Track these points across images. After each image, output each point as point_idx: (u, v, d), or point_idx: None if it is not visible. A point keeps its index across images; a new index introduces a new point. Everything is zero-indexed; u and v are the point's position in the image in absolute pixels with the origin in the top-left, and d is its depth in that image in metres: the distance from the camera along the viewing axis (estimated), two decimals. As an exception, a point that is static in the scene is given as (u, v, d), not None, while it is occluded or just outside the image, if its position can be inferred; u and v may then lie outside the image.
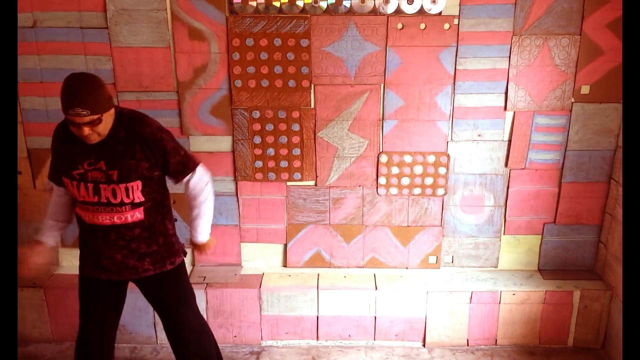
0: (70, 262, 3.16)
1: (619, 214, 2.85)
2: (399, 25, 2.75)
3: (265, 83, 2.84)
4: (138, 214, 2.15)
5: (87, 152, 2.08)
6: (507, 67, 2.80)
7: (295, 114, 2.90)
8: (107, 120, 2.03)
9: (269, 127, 2.91)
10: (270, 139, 2.93)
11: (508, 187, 2.99)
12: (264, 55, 2.80)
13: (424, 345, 3.04)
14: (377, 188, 3.00)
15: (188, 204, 2.29)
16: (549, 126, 2.89)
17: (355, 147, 2.94)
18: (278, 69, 2.82)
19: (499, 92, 2.84)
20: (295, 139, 2.93)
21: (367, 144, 2.94)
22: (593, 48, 2.76)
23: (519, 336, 3.01)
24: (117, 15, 2.74)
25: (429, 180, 2.98)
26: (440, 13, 2.74)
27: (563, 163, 2.94)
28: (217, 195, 3.01)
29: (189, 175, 2.22)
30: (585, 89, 2.83)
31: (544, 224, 3.04)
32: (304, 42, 2.78)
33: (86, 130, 1.97)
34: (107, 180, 2.07)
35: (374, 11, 2.73)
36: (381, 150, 2.95)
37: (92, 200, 2.11)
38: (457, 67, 2.81)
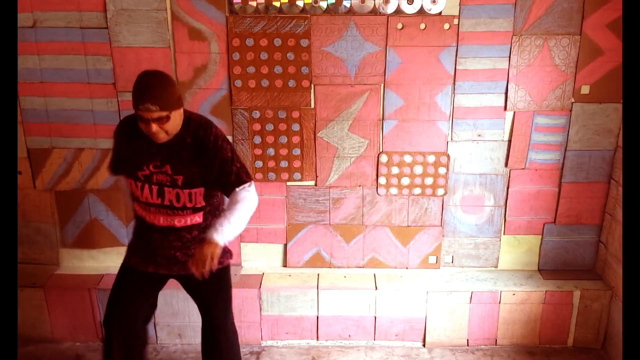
0: (70, 262, 3.17)
1: (619, 214, 2.85)
2: (399, 25, 2.75)
3: (265, 83, 2.84)
4: (197, 218, 2.18)
5: (153, 154, 2.09)
6: (507, 67, 2.80)
7: (295, 114, 2.90)
8: (176, 118, 2.04)
9: (269, 127, 2.91)
10: (270, 139, 2.93)
11: (508, 187, 2.99)
12: (264, 55, 2.80)
13: (424, 345, 3.04)
14: (377, 188, 3.00)
15: (228, 206, 2.15)
16: (549, 126, 2.89)
17: (355, 147, 2.94)
18: (278, 69, 2.82)
19: (499, 92, 2.84)
20: (295, 139, 2.93)
21: (367, 144, 2.94)
22: (593, 48, 2.76)
23: (519, 336, 3.01)
24: (117, 15, 2.74)
25: (429, 180, 2.98)
26: (440, 13, 2.74)
27: (563, 163, 2.94)
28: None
29: (242, 186, 2.13)
30: (585, 89, 2.83)
31: (544, 224, 3.04)
32: (304, 42, 2.78)
33: (154, 127, 1.98)
34: (172, 184, 2.10)
35: (374, 11, 2.73)
36: (381, 150, 2.95)
37: (155, 202, 2.13)
38: (457, 67, 2.81)
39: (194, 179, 2.10)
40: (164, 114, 1.97)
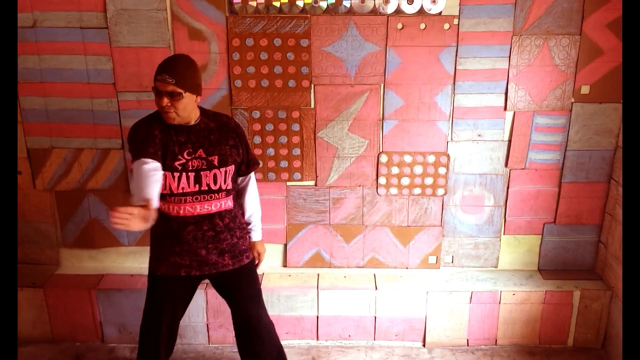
0: (70, 262, 3.17)
1: (619, 214, 2.85)
2: (399, 25, 2.75)
3: (265, 83, 2.84)
4: (230, 203, 2.28)
5: (183, 143, 2.17)
6: (507, 67, 2.80)
7: (295, 114, 2.90)
8: (189, 102, 2.11)
9: (269, 127, 2.91)
10: (270, 139, 2.93)
11: (508, 187, 2.99)
12: (264, 55, 2.80)
13: (424, 345, 3.04)
14: (377, 188, 3.00)
15: (245, 201, 2.43)
16: (549, 126, 2.89)
17: (355, 147, 2.95)
18: (278, 69, 2.82)
19: (499, 92, 2.84)
20: (295, 139, 2.93)
21: (367, 144, 2.94)
22: (593, 48, 2.76)
23: (519, 336, 3.01)
24: (117, 15, 2.74)
25: (429, 180, 2.98)
26: (440, 13, 2.74)
27: (563, 163, 2.94)
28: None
29: (252, 171, 2.43)
30: (585, 89, 2.83)
31: (544, 224, 3.04)
32: (304, 42, 2.78)
33: (165, 100, 2.06)
34: (208, 166, 2.19)
35: (374, 11, 2.74)
36: (381, 150, 2.95)
37: (192, 189, 2.18)
38: (457, 67, 2.81)
39: (227, 157, 2.24)
40: (178, 89, 2.05)
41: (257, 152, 2.94)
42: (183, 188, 2.17)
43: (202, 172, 2.18)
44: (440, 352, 3.00)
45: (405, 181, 2.98)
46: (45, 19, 2.76)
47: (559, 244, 3.07)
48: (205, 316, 2.99)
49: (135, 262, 3.16)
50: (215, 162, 2.20)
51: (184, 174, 2.16)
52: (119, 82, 2.85)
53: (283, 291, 2.95)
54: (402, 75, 2.82)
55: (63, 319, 3.01)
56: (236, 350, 3.02)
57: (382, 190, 3.00)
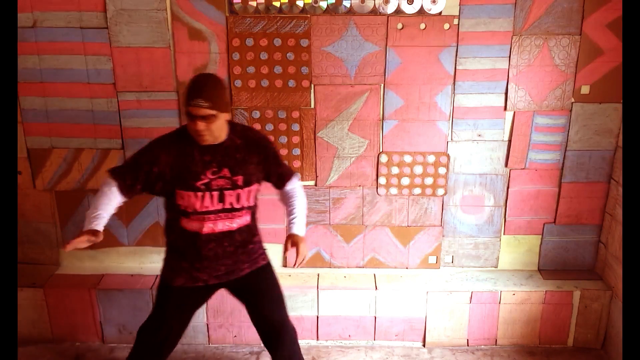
0: (70, 262, 3.17)
1: (619, 214, 2.85)
2: (399, 25, 2.75)
3: (265, 83, 2.84)
4: (248, 218, 2.27)
5: (207, 162, 2.15)
6: (507, 67, 2.80)
7: (295, 114, 2.90)
8: (222, 121, 2.12)
9: (269, 127, 2.91)
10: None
11: (508, 187, 2.99)
12: (264, 55, 2.80)
13: (424, 345, 3.04)
14: (377, 188, 3.00)
15: (286, 205, 2.40)
16: (549, 126, 2.89)
17: (355, 147, 2.95)
18: (278, 69, 2.82)
19: (499, 92, 2.84)
20: (295, 139, 2.93)
21: (367, 144, 2.94)
22: (593, 48, 2.76)
23: (519, 336, 3.01)
24: (117, 15, 2.74)
25: (429, 180, 2.98)
26: (440, 13, 2.74)
27: (563, 163, 2.94)
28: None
29: (293, 178, 2.39)
30: (585, 89, 2.83)
31: (544, 224, 3.04)
32: (304, 42, 2.78)
33: (201, 124, 2.05)
34: (232, 186, 2.18)
35: (374, 11, 2.74)
36: (381, 150, 2.95)
37: (215, 208, 2.18)
38: (457, 67, 2.81)
39: (251, 177, 2.22)
40: (212, 112, 2.05)
41: (257, 152, 2.94)
42: (207, 207, 2.17)
43: (225, 192, 2.17)
44: (440, 352, 3.00)
45: (405, 181, 2.98)
46: (45, 19, 2.76)
47: (559, 244, 3.07)
48: (205, 316, 2.99)
49: (135, 262, 3.16)
50: (240, 183, 2.18)
51: (207, 193, 2.15)
52: (119, 82, 2.85)
53: (283, 291, 2.95)
54: (402, 75, 2.82)
55: (63, 319, 3.01)
56: (236, 350, 3.03)
57: (382, 190, 3.00)
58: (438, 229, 3.07)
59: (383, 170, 2.97)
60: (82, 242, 2.11)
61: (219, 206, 2.18)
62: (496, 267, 3.13)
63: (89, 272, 3.10)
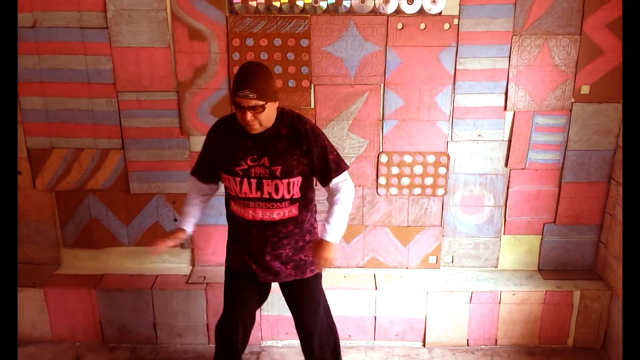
0: (70, 262, 3.17)
1: (619, 214, 2.85)
2: (399, 25, 2.75)
3: (265, 83, 2.84)
4: (294, 210, 2.23)
5: (249, 148, 2.15)
6: (507, 67, 2.80)
7: (295, 114, 2.89)
8: (270, 111, 2.10)
9: (269, 127, 2.91)
10: (270, 139, 2.93)
11: (508, 187, 2.99)
12: (264, 55, 2.80)
13: (424, 345, 3.04)
14: (377, 188, 3.00)
15: (329, 203, 2.29)
16: (549, 126, 2.89)
17: (355, 147, 2.94)
18: (278, 69, 2.82)
19: (499, 92, 2.84)
20: (295, 139, 2.93)
21: (367, 144, 2.94)
22: (593, 48, 2.76)
23: (519, 336, 3.01)
24: (117, 15, 2.74)
25: (429, 180, 2.98)
26: (440, 13, 2.74)
27: (563, 163, 2.94)
28: (217, 195, 3.02)
29: (340, 175, 2.25)
30: (585, 89, 2.83)
31: (544, 224, 3.04)
32: (304, 42, 2.78)
33: (249, 115, 2.04)
34: (270, 175, 2.15)
35: (374, 11, 2.73)
36: (381, 150, 2.95)
37: (254, 196, 2.17)
38: (457, 67, 2.81)
39: (291, 169, 2.16)
40: (260, 102, 2.03)
41: (257, 152, 2.94)
42: (245, 193, 2.17)
43: (264, 181, 2.16)
44: (440, 352, 3.00)
45: (405, 181, 2.98)
46: (45, 19, 2.76)
47: (559, 244, 3.07)
48: (205, 316, 2.99)
49: (135, 262, 3.16)
50: (278, 173, 2.14)
51: (245, 179, 2.15)
52: (119, 82, 2.85)
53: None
54: (402, 75, 2.82)
55: (63, 319, 3.01)
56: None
57: (382, 190, 3.00)
58: (438, 229, 3.07)
59: (383, 170, 2.97)
60: (168, 243, 2.29)
61: (257, 194, 2.17)
62: (496, 267, 3.13)
63: (89, 272, 3.10)
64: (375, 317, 2.99)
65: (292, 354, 2.96)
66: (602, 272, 3.03)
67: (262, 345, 3.04)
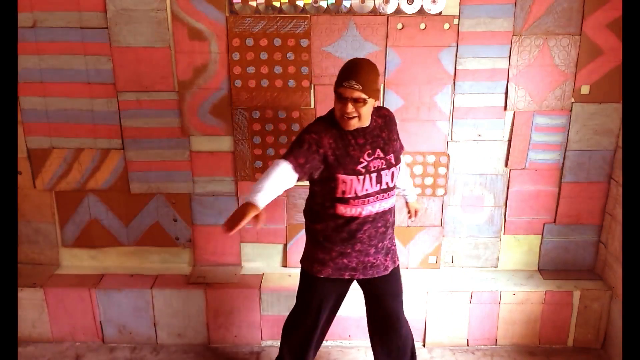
0: (70, 262, 3.17)
1: (619, 214, 2.85)
2: (399, 25, 2.75)
3: (265, 83, 2.84)
4: (394, 198, 2.31)
5: (361, 145, 2.18)
6: (507, 67, 2.80)
7: (295, 114, 2.89)
8: (369, 108, 2.14)
9: (269, 127, 2.91)
10: (270, 139, 2.93)
11: (508, 187, 2.99)
12: (264, 55, 2.80)
13: (424, 345, 3.04)
14: (377, 188, 3.00)
15: (401, 182, 2.51)
16: (549, 126, 2.89)
17: (355, 147, 2.94)
18: (278, 69, 2.82)
19: (499, 92, 2.84)
20: (295, 139, 2.93)
21: (367, 144, 2.94)
22: (593, 48, 2.76)
23: (519, 336, 3.01)
24: (117, 15, 2.74)
25: (429, 180, 2.98)
26: (440, 13, 2.74)
27: (563, 163, 2.94)
28: (217, 195, 3.02)
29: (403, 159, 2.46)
30: (585, 89, 2.83)
31: (544, 224, 3.04)
32: (304, 42, 2.78)
33: (350, 106, 2.07)
34: (387, 165, 2.22)
35: (374, 11, 2.73)
36: (381, 150, 2.95)
37: (374, 190, 2.20)
38: (457, 67, 2.81)
39: (398, 153, 2.29)
40: (363, 96, 2.06)
41: (257, 152, 2.94)
42: (367, 189, 2.18)
43: (382, 172, 2.20)
44: (440, 352, 3.00)
45: (405, 181, 2.98)
46: (45, 19, 2.76)
47: (559, 244, 3.07)
48: (205, 316, 2.99)
49: (135, 262, 3.16)
50: (392, 160, 2.23)
51: (367, 175, 2.17)
52: (119, 82, 2.85)
53: (283, 291, 2.95)
54: (402, 75, 2.82)
55: (63, 319, 3.01)
56: (236, 350, 3.02)
57: (382, 190, 3.00)
58: (438, 229, 3.07)
59: (383, 170, 2.97)
60: (245, 223, 1.95)
61: (377, 187, 2.20)
62: (496, 267, 3.13)
63: (89, 272, 3.10)
64: (375, 317, 2.99)
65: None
66: (602, 272, 3.03)
67: (262, 345, 3.04)
